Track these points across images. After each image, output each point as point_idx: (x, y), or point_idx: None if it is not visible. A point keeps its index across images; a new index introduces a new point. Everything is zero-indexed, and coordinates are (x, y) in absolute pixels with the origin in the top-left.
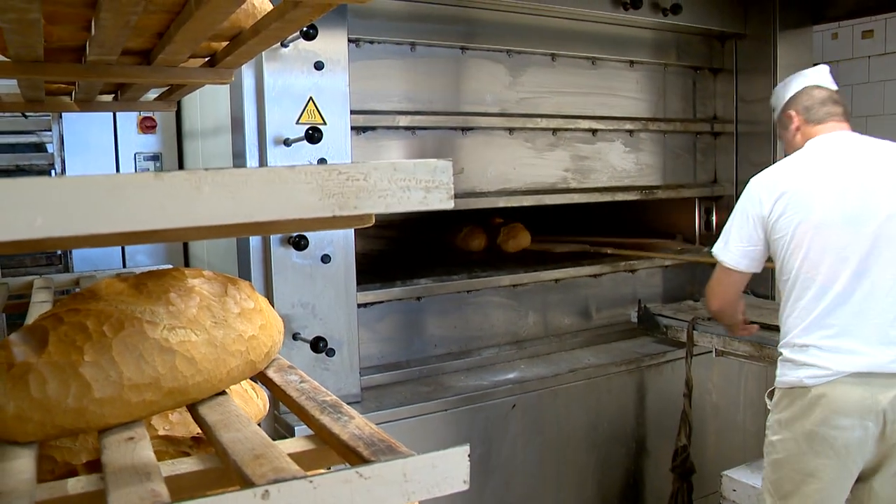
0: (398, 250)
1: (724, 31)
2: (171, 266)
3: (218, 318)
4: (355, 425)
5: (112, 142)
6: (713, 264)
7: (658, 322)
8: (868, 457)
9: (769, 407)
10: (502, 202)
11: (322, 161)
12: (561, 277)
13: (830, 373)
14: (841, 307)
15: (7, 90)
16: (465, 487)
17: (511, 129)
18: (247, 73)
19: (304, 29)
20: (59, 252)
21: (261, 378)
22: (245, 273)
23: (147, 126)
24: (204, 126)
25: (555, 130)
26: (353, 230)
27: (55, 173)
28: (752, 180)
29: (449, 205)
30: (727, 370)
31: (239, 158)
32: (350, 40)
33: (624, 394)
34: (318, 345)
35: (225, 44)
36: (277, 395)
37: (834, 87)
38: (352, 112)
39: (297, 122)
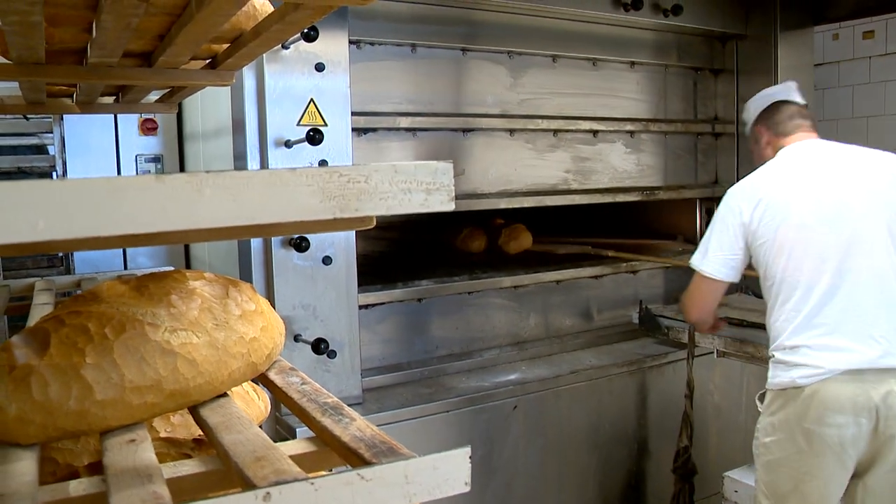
0: (399, 252)
1: (725, 31)
2: (172, 268)
3: (219, 320)
4: (356, 427)
5: (113, 144)
6: None
7: (659, 323)
8: (861, 453)
9: (760, 409)
10: (503, 203)
11: (323, 163)
12: (562, 279)
13: (823, 371)
14: (827, 306)
15: (8, 92)
16: (467, 489)
17: (512, 131)
18: (248, 75)
19: (305, 31)
20: (60, 254)
21: (262, 380)
22: (246, 275)
23: (148, 128)
24: (205, 128)
25: (556, 132)
26: (354, 232)
27: (56, 175)
28: (728, 191)
29: (450, 206)
30: (728, 371)
31: (240, 160)
32: (351, 42)
33: (625, 395)
34: (319, 346)
35: (226, 46)
36: (279, 396)
37: (802, 101)
38: (353, 114)
39: (298, 124)
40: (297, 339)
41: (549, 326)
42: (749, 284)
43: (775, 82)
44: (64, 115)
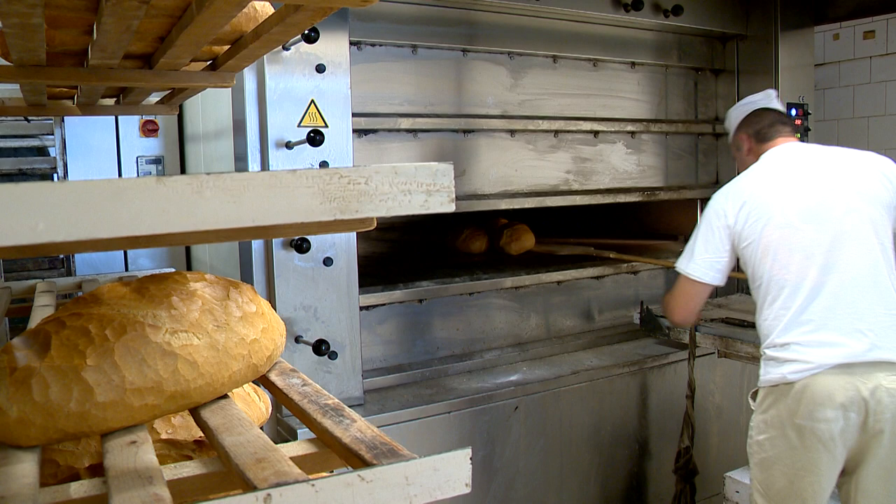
0: (400, 253)
1: (726, 32)
2: (173, 270)
3: (220, 321)
4: (357, 428)
5: (114, 145)
6: None
7: (660, 323)
8: (851, 447)
9: (752, 407)
10: (504, 204)
11: (324, 164)
12: (563, 279)
13: (812, 366)
14: (814, 302)
15: (10, 94)
16: (467, 490)
17: (513, 131)
18: (248, 77)
19: (306, 32)
20: (61, 256)
21: (263, 381)
22: (247, 276)
23: (149, 129)
24: (206, 129)
25: (556, 132)
26: (355, 233)
27: (58, 177)
28: (714, 196)
29: (450, 208)
30: (730, 371)
31: (241, 161)
32: (352, 43)
33: (626, 395)
34: (320, 348)
35: (226, 47)
36: (279, 398)
37: (781, 108)
38: (353, 115)
39: (299, 125)
40: (298, 340)
41: (549, 327)
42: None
43: (776, 82)
44: (65, 117)
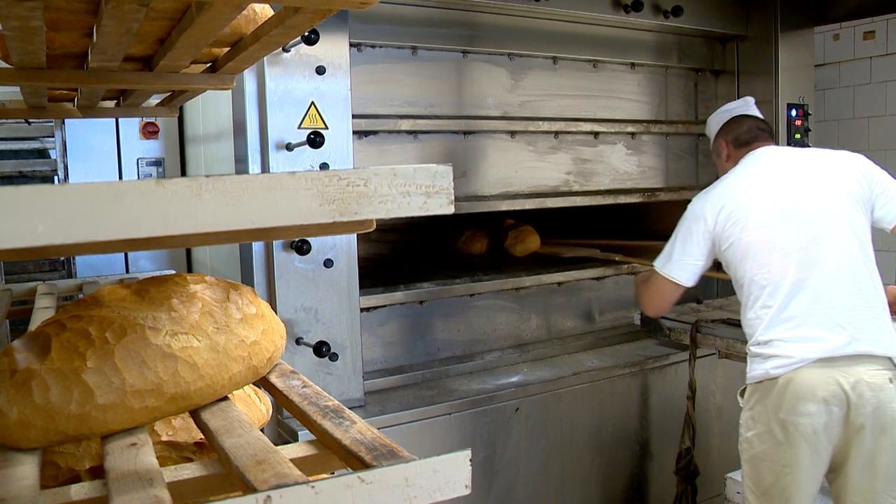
0: (400, 254)
1: (726, 32)
2: (173, 272)
3: (220, 323)
4: (357, 430)
5: (115, 147)
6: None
7: (661, 324)
8: (835, 443)
9: (741, 404)
10: (504, 206)
11: (324, 166)
12: (563, 280)
13: (794, 360)
14: (795, 299)
15: (10, 97)
16: (467, 492)
17: (513, 133)
18: (248, 78)
19: (306, 34)
20: (62, 258)
21: (263, 383)
22: (247, 278)
23: (149, 132)
24: (206, 131)
25: (556, 133)
26: (355, 235)
27: (58, 179)
28: (693, 200)
29: (449, 210)
30: (731, 372)
31: (241, 163)
32: (352, 44)
33: (627, 397)
34: (320, 349)
35: (226, 49)
36: (280, 400)
37: (760, 115)
38: (353, 116)
39: (299, 127)
40: (298, 342)
41: (550, 328)
42: None
43: (776, 83)
44: (65, 119)
